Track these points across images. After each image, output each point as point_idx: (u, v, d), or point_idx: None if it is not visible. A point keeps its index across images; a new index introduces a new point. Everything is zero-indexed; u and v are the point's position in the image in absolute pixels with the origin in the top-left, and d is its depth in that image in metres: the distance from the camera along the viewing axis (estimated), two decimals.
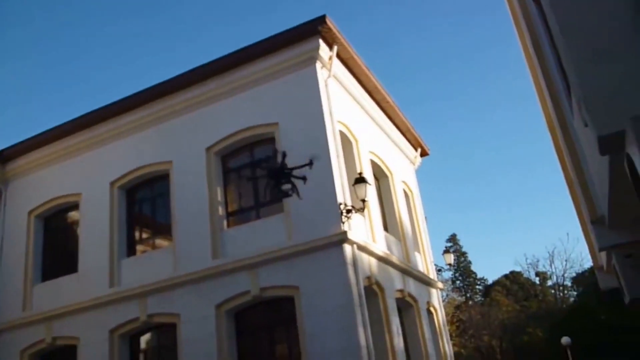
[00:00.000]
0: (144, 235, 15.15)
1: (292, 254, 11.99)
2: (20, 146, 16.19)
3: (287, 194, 10.35)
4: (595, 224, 7.34)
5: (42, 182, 16.08)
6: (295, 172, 10.62)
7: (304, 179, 10.64)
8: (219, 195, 13.55)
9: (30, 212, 16.02)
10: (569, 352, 27.64)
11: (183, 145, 14.13)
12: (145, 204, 15.33)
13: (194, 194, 13.54)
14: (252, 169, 13.67)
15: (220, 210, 13.42)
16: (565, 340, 27.91)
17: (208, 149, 13.80)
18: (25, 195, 16.21)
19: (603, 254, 9.63)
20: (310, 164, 10.52)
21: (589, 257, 11.98)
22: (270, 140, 13.32)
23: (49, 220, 16.28)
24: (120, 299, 13.65)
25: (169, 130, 14.52)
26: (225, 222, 13.43)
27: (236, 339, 12.63)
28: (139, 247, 14.92)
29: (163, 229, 14.53)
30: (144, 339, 14.17)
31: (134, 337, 13.96)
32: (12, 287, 15.34)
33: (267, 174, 10.03)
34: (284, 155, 10.43)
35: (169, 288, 13.12)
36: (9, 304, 15.20)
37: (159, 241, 14.77)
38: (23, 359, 14.64)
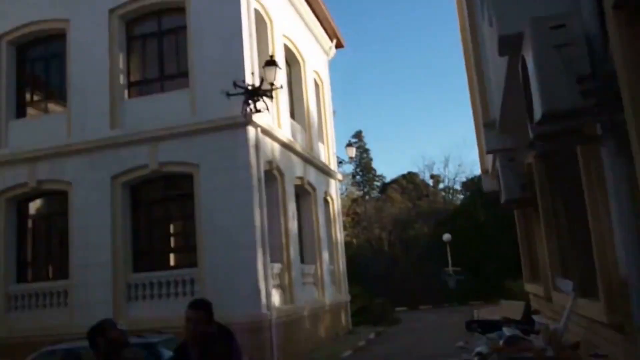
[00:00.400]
0: (36, 98, 14.18)
1: (194, 131, 11.79)
2: None
3: (259, 110, 11.11)
4: (487, 127, 7.73)
5: None
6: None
7: (270, 96, 11.34)
8: (121, 63, 12.81)
9: None
10: (448, 247, 30.21)
11: (83, 3, 12.98)
12: (38, 63, 14.20)
13: (93, 59, 12.69)
14: (159, 38, 12.96)
15: (122, 79, 12.76)
16: (446, 236, 30.41)
17: (111, 10, 12.81)
18: None
19: (490, 158, 10.30)
20: (281, 87, 11.84)
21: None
22: (181, 10, 12.56)
23: None
24: (6, 162, 12.96)
25: None
26: (126, 92, 12.84)
27: (131, 211, 12.55)
28: (30, 110, 14.01)
29: (57, 93, 13.68)
30: (34, 205, 13.72)
31: (22, 203, 13.47)
32: None
33: (245, 92, 10.84)
34: (262, 80, 11.12)
35: (62, 155, 12.59)
36: None
37: (52, 105, 13.92)
38: None
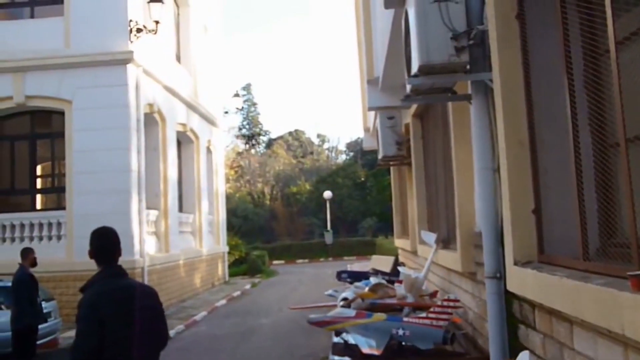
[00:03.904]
0: None
1: (68, 64, 10.92)
2: None
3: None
4: (370, 84, 7.92)
5: None
6: None
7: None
8: None
9: None
10: (328, 204, 31.06)
11: None
12: None
13: None
14: None
15: None
16: (327, 194, 31.22)
17: None
18: None
19: (372, 117, 10.60)
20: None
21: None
22: None
23: None
24: None
25: None
26: None
27: None
28: None
29: None
30: None
31: None
32: None
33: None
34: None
35: None
36: None
37: None
38: None
